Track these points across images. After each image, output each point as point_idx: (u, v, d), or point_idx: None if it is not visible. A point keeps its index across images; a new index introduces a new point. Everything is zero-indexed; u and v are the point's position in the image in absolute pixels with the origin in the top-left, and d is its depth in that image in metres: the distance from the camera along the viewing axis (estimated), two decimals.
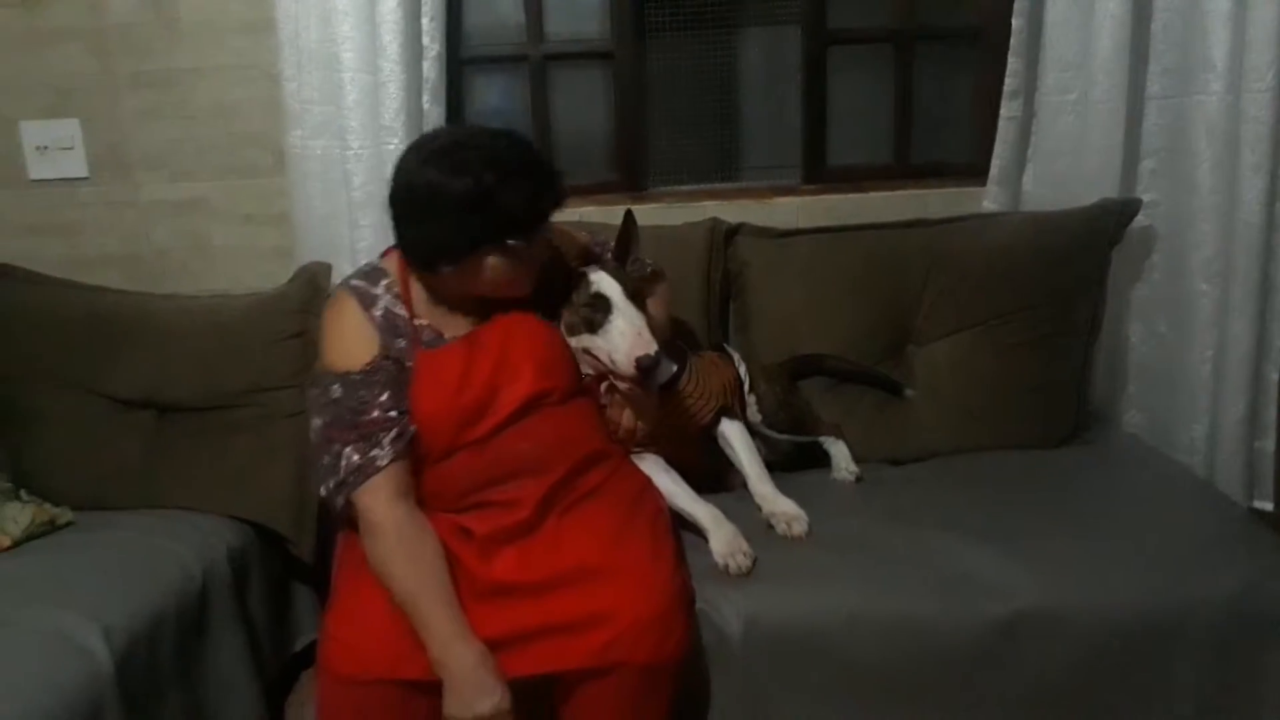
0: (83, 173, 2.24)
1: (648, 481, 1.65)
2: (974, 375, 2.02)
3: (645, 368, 1.54)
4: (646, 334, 1.56)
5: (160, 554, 1.76)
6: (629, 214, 1.69)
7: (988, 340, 2.03)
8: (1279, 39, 1.98)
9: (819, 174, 2.37)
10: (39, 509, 1.84)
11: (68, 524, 1.87)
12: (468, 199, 1.42)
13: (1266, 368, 2.16)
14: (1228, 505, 1.85)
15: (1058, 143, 2.17)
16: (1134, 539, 1.61)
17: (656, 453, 1.73)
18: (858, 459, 1.95)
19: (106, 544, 1.78)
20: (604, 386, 1.65)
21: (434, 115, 2.14)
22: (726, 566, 1.56)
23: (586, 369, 1.64)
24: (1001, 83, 2.15)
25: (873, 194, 2.28)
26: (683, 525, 1.66)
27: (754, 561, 1.58)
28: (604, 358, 1.58)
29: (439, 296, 1.56)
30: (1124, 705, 1.51)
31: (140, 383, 2.02)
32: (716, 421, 1.81)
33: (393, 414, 1.46)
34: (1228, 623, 1.47)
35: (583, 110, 2.40)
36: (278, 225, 2.20)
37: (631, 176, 2.38)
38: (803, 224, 2.18)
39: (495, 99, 2.39)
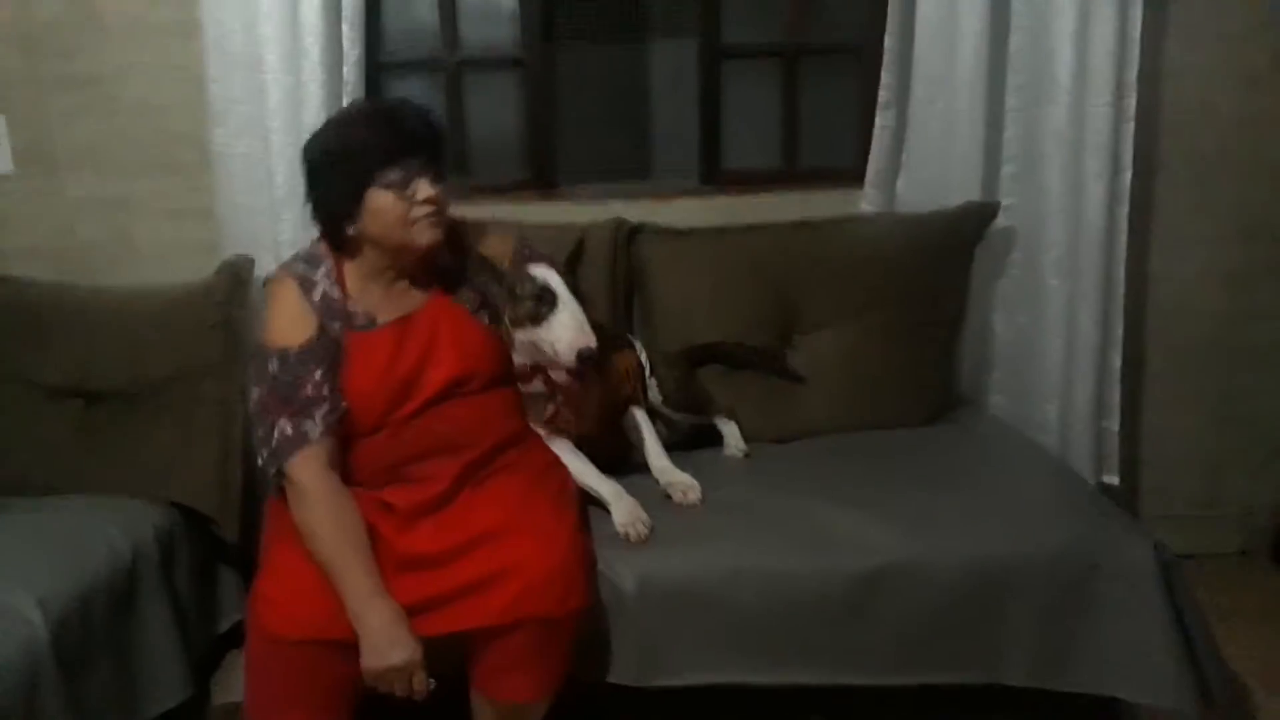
0: (8, 168, 2.29)
1: (556, 459, 1.81)
2: (853, 360, 2.23)
3: (585, 359, 1.67)
4: (588, 327, 1.70)
5: (91, 532, 1.85)
6: (580, 241, 1.90)
7: (864, 329, 2.24)
8: (1115, 62, 2.23)
9: (715, 177, 2.55)
10: None
11: None
12: (338, 150, 1.61)
13: (1111, 355, 2.41)
14: (1072, 476, 2.09)
15: (926, 150, 2.38)
16: (984, 502, 1.84)
17: (567, 436, 1.89)
18: (748, 438, 2.15)
19: (37, 524, 1.87)
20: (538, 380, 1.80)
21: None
22: (627, 535, 1.73)
23: (522, 358, 1.78)
24: (877, 94, 2.36)
25: (763, 196, 2.46)
26: (590, 501, 1.82)
27: (651, 530, 1.75)
28: (546, 349, 1.71)
29: (370, 277, 1.68)
30: (969, 638, 1.70)
31: (68, 371, 2.11)
32: (625, 409, 1.98)
33: (325, 391, 1.59)
34: (1057, 566, 1.70)
35: (496, 113, 2.54)
36: (203, 220, 2.29)
37: (542, 176, 2.53)
38: (700, 224, 2.35)
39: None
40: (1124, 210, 2.33)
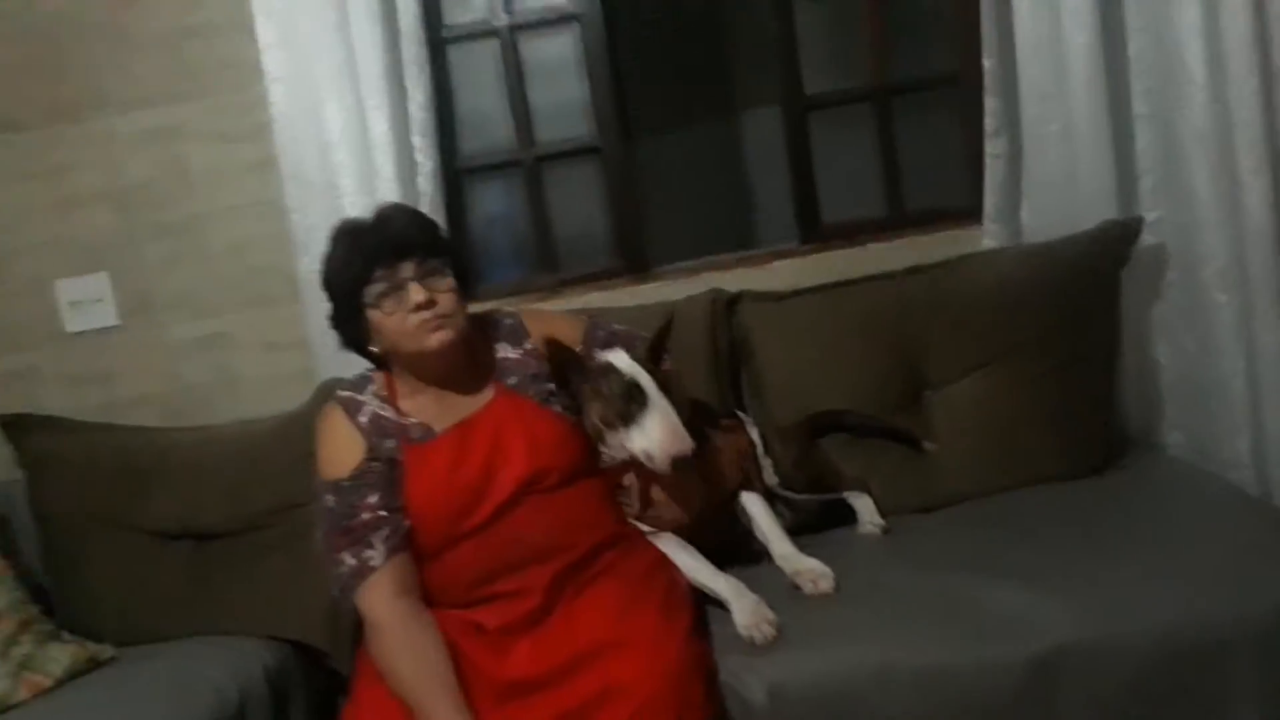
0: (114, 320, 2.35)
1: (662, 557, 1.63)
2: (994, 413, 1.98)
3: (679, 466, 1.56)
4: (681, 430, 1.57)
5: (195, 680, 1.78)
6: (669, 319, 1.70)
7: (1003, 376, 1.99)
8: (1254, 44, 1.97)
9: (815, 234, 2.39)
10: (79, 648, 1.89)
11: (109, 660, 1.91)
12: (327, 277, 1.58)
13: None
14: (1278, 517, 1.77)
15: (1048, 173, 2.16)
16: (1173, 557, 1.55)
17: (675, 531, 1.72)
18: (884, 511, 1.91)
19: (142, 676, 1.82)
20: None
21: None
22: (751, 638, 1.52)
23: (612, 452, 1.64)
24: (982, 124, 2.16)
25: (870, 246, 2.28)
26: (707, 601, 1.63)
27: (779, 629, 1.54)
28: (637, 451, 1.58)
29: (419, 389, 1.60)
30: None
31: (174, 515, 2.09)
32: (735, 495, 1.80)
33: (383, 513, 1.50)
34: (1277, 633, 1.39)
35: (580, 204, 2.47)
36: (299, 350, 2.27)
37: (632, 260, 2.42)
38: (802, 284, 2.18)
39: (494, 204, 2.48)
40: None
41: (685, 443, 1.55)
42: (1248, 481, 2.05)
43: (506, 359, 1.67)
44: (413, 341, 1.54)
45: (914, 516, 1.92)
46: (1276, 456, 2.05)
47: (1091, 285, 2.03)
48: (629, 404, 1.57)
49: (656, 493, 1.66)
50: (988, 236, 2.21)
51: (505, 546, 1.54)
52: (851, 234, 2.34)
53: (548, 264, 2.44)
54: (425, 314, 1.52)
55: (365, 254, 1.53)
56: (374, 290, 1.52)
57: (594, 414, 1.62)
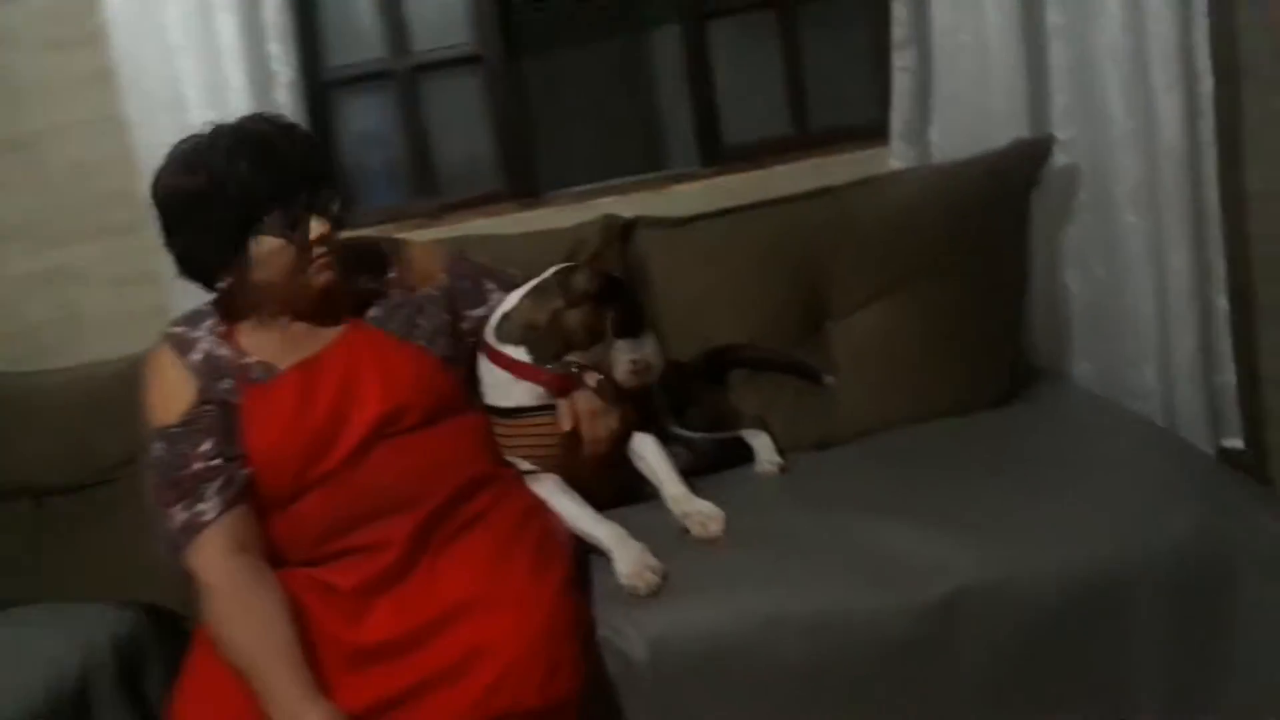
0: None
1: (538, 504, 1.50)
2: (898, 344, 1.88)
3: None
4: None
5: (27, 652, 1.60)
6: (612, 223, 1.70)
7: (908, 305, 1.88)
8: None
9: (716, 156, 2.24)
10: None
11: None
12: (205, 192, 1.33)
13: (1213, 296, 2.02)
14: (1185, 449, 1.71)
15: (958, 89, 2.03)
16: (1079, 494, 1.46)
17: (557, 473, 1.59)
18: (783, 449, 1.80)
19: None
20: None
21: None
22: (635, 588, 1.41)
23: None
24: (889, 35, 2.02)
25: (774, 169, 2.14)
26: (591, 550, 1.51)
27: (664, 577, 1.42)
28: (626, 360, 1.57)
29: (263, 324, 1.44)
30: (1081, 670, 1.35)
31: (9, 470, 1.88)
32: (627, 437, 1.67)
33: (216, 462, 1.34)
34: (1181, 569, 1.33)
35: (462, 121, 2.27)
36: (150, 284, 2.06)
37: (521, 185, 2.25)
38: (702, 210, 2.04)
39: (365, 121, 2.26)
40: (1208, 123, 1.95)
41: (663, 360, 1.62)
42: (1154, 411, 2.00)
43: (365, 290, 1.52)
44: (297, 279, 1.40)
45: (814, 453, 1.82)
46: (1184, 385, 2.00)
47: (1001, 208, 1.93)
48: (640, 317, 1.61)
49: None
50: (895, 157, 2.08)
51: (359, 495, 1.39)
52: (754, 156, 2.20)
53: (426, 188, 2.25)
54: (320, 249, 1.39)
55: (279, 173, 1.36)
56: (278, 218, 1.35)
57: (606, 323, 1.57)
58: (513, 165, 2.25)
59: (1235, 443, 2.05)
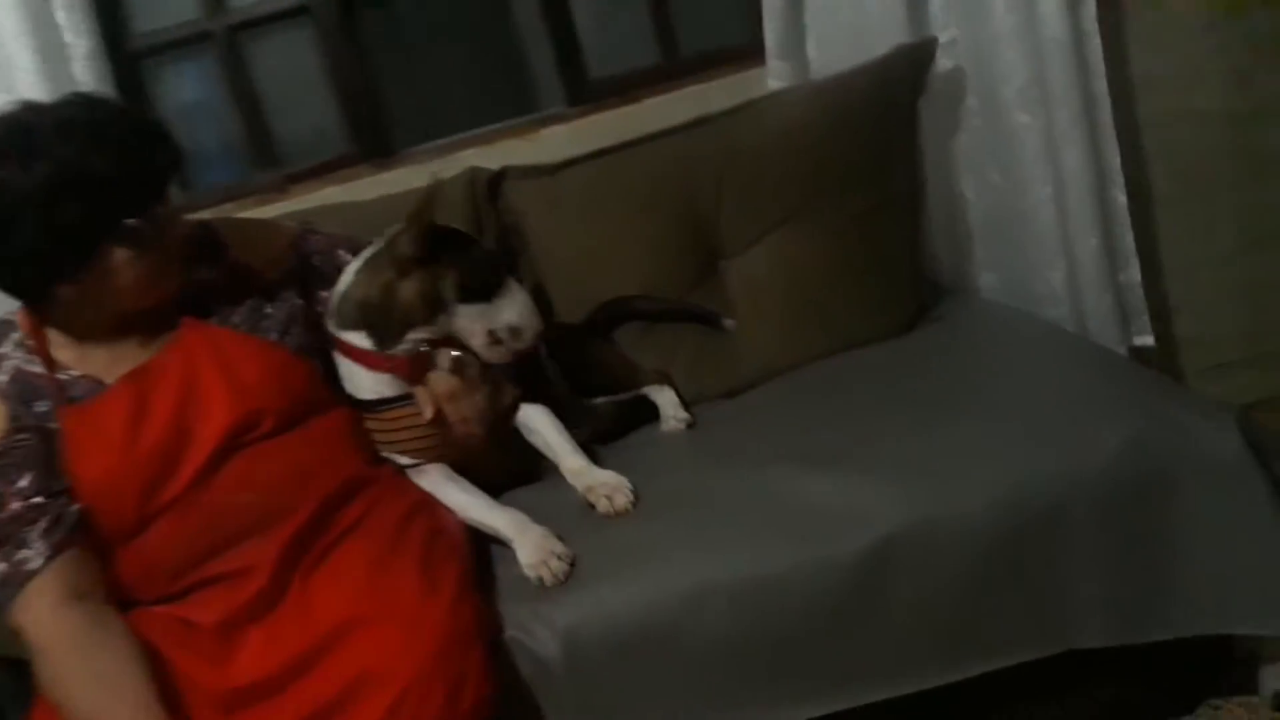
0: None
1: (423, 499, 1.35)
2: (797, 277, 1.76)
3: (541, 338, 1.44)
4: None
5: None
6: (435, 181, 1.39)
7: (802, 233, 1.76)
8: None
9: (583, 93, 2.06)
10: None
11: None
12: (52, 186, 1.09)
13: (1112, 192, 1.95)
14: (1102, 354, 1.65)
15: None
16: (1001, 419, 1.37)
17: (443, 460, 1.43)
18: (688, 402, 1.68)
19: None
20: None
21: None
22: (540, 579, 1.27)
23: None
24: None
25: (646, 103, 1.98)
26: (490, 541, 1.36)
27: (572, 563, 1.29)
28: (497, 325, 1.39)
29: (85, 334, 1.23)
30: (1021, 604, 1.26)
31: None
32: (514, 410, 1.51)
33: (38, 500, 1.15)
34: (1115, 484, 1.24)
35: (299, 83, 2.05)
36: None
37: (372, 145, 2.04)
38: (575, 153, 1.87)
39: (186, 91, 2.02)
40: (1089, 10, 1.86)
41: (541, 321, 1.43)
42: (1064, 318, 1.94)
43: (201, 281, 1.32)
44: (145, 295, 1.21)
45: (721, 404, 1.71)
46: (1090, 287, 1.93)
47: (889, 119, 1.81)
48: (490, 275, 1.39)
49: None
50: (772, 76, 1.94)
51: (214, 518, 1.21)
52: (624, 90, 2.03)
53: (266, 159, 2.03)
54: (172, 259, 1.23)
55: (145, 169, 1.16)
56: (138, 222, 1.15)
57: (444, 288, 1.37)
58: (361, 125, 2.04)
59: (1146, 340, 2.00)
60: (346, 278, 1.41)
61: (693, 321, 1.77)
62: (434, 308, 1.37)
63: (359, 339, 1.39)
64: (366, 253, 1.42)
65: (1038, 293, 1.97)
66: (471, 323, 1.39)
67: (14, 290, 1.20)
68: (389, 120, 2.05)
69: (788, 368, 1.72)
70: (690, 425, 1.62)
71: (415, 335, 1.38)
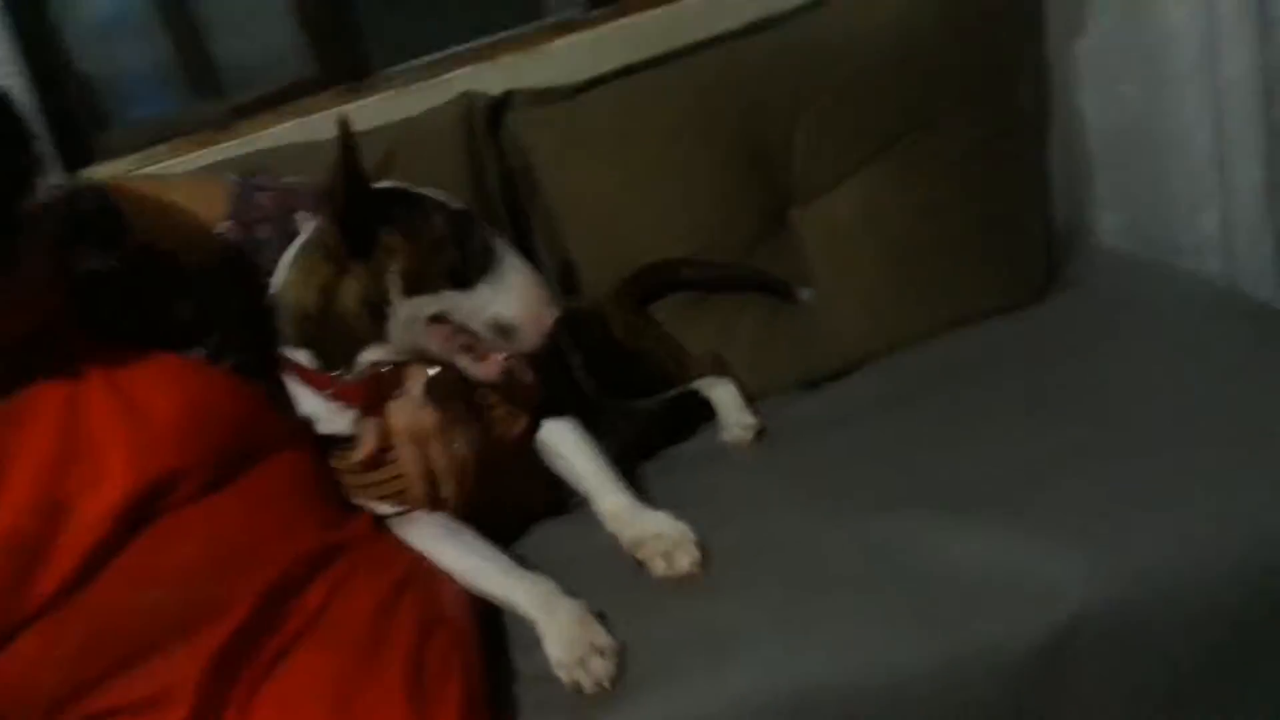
0: None
1: (410, 568, 0.98)
2: (891, 230, 1.37)
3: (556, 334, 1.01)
4: (548, 289, 1.01)
5: None
6: (342, 124, 0.94)
7: (899, 173, 1.37)
8: None
9: None
10: None
11: None
12: None
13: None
14: None
15: None
16: (1208, 436, 1.00)
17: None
18: (752, 398, 1.29)
19: None
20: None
21: None
22: (576, 684, 0.90)
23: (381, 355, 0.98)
24: None
25: (690, 0, 1.55)
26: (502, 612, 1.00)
27: (620, 655, 0.92)
28: (478, 324, 0.98)
29: None
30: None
31: None
32: (534, 427, 1.13)
33: None
34: None
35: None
36: None
37: (340, 66, 1.61)
38: (601, 69, 1.46)
39: (101, 11, 1.57)
40: None
41: (556, 308, 0.99)
42: (1217, 272, 1.54)
43: (91, 273, 0.92)
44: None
45: (797, 399, 1.32)
46: (1252, 233, 1.53)
47: (1010, 19, 1.42)
48: (469, 252, 0.98)
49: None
50: None
51: (109, 625, 0.84)
52: None
53: (206, 85, 1.60)
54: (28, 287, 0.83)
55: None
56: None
57: (402, 273, 0.96)
58: (325, 41, 1.60)
59: None
60: (279, 274, 1.02)
61: (756, 291, 1.39)
62: (381, 314, 0.98)
63: (302, 356, 1.00)
64: (301, 237, 1.02)
65: (1182, 242, 1.58)
66: (438, 326, 0.99)
67: None
68: (359, 35, 1.62)
69: (883, 351, 1.34)
70: (759, 434, 1.24)
71: (369, 355, 0.99)
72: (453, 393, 1.03)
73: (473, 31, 1.66)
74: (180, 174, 1.22)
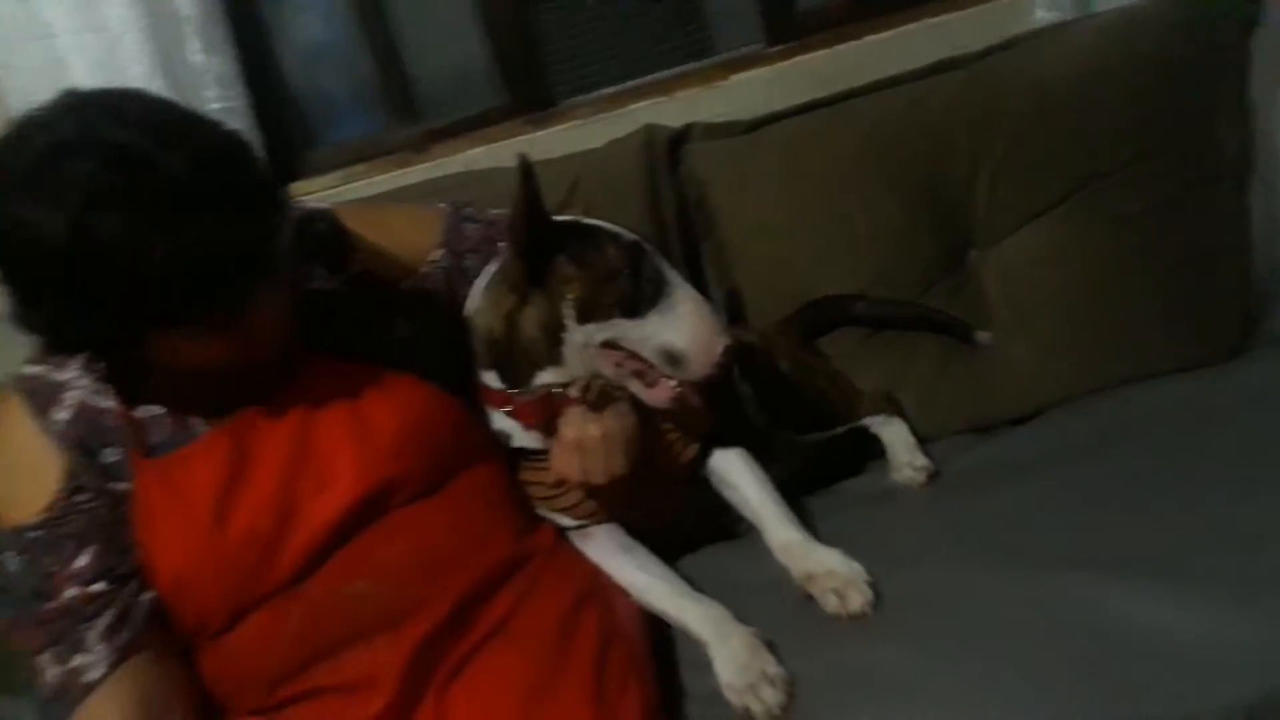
0: None
1: (590, 582, 1.02)
2: (1077, 276, 1.34)
3: (725, 364, 1.02)
4: (719, 320, 1.04)
5: None
6: (523, 162, 0.99)
7: (1087, 218, 1.34)
8: None
9: (787, 28, 1.65)
10: None
11: None
12: (77, 257, 0.75)
13: None
14: None
15: None
16: None
17: (614, 518, 1.10)
18: (925, 438, 1.29)
19: None
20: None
21: (216, 72, 1.46)
22: (747, 710, 0.92)
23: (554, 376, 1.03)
24: None
25: (870, 39, 1.57)
26: (669, 628, 1.03)
27: (790, 687, 0.93)
28: (648, 352, 1.01)
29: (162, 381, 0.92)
30: None
31: None
32: (704, 454, 1.16)
33: (99, 587, 0.87)
34: None
35: (441, 21, 1.71)
36: None
37: (527, 95, 1.69)
38: (778, 105, 1.48)
39: (313, 31, 1.69)
40: None
41: (726, 338, 1.01)
42: None
43: (319, 293, 0.99)
44: (232, 362, 0.88)
45: (969, 443, 1.31)
46: None
47: (1210, 65, 1.36)
48: (641, 283, 1.01)
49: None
50: (1041, 7, 1.49)
51: (325, 614, 0.91)
52: (840, 23, 1.61)
53: (404, 111, 1.70)
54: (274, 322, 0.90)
55: (226, 256, 0.79)
56: (205, 309, 0.81)
57: (576, 301, 1.01)
58: (514, 70, 1.68)
59: None
60: (473, 300, 1.09)
61: (930, 331, 1.38)
62: (557, 339, 1.03)
63: (490, 377, 1.07)
64: (492, 266, 1.08)
65: None
66: (610, 351, 1.02)
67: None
68: (546, 65, 1.69)
69: (1061, 400, 1.31)
70: (932, 476, 1.23)
71: (545, 377, 1.04)
72: (620, 410, 1.06)
73: (650, 65, 1.71)
74: (401, 206, 1.29)
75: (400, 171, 1.60)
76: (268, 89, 1.60)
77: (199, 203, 0.76)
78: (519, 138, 1.61)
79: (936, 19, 1.55)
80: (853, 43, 1.57)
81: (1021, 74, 1.37)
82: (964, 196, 1.37)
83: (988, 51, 1.42)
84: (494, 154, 1.60)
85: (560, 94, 1.70)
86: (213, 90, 1.46)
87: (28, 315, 0.81)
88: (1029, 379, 1.32)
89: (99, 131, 0.76)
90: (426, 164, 1.60)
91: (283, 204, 0.84)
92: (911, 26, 1.56)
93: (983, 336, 1.34)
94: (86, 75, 1.38)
